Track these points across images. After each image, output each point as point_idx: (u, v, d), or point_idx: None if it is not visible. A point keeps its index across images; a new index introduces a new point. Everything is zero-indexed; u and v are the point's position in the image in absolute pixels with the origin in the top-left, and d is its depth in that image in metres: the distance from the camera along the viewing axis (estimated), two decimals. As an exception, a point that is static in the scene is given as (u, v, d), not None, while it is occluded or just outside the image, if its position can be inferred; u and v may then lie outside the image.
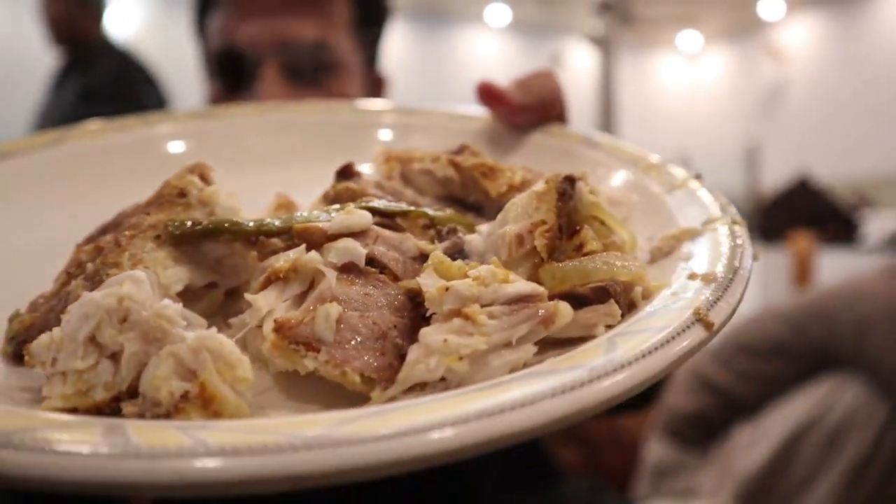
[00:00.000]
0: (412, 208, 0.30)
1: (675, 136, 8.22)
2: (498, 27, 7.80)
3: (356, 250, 0.26)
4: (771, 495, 1.30)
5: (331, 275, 0.26)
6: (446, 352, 0.25)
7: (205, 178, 0.30)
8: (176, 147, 0.41)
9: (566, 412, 0.22)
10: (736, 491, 1.32)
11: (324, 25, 0.67)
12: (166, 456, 0.20)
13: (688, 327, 0.25)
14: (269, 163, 0.41)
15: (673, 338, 0.25)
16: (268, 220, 0.29)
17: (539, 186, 0.28)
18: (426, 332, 0.25)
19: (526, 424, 0.21)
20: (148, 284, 0.25)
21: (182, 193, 0.28)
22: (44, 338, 0.26)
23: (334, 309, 0.25)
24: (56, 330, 0.26)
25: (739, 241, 0.31)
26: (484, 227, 0.29)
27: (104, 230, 0.29)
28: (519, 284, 0.26)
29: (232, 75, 0.68)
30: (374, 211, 0.29)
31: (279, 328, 0.25)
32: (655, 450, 1.49)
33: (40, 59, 2.75)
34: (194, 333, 0.25)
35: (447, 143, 0.38)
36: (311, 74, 0.67)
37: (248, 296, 0.28)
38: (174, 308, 0.25)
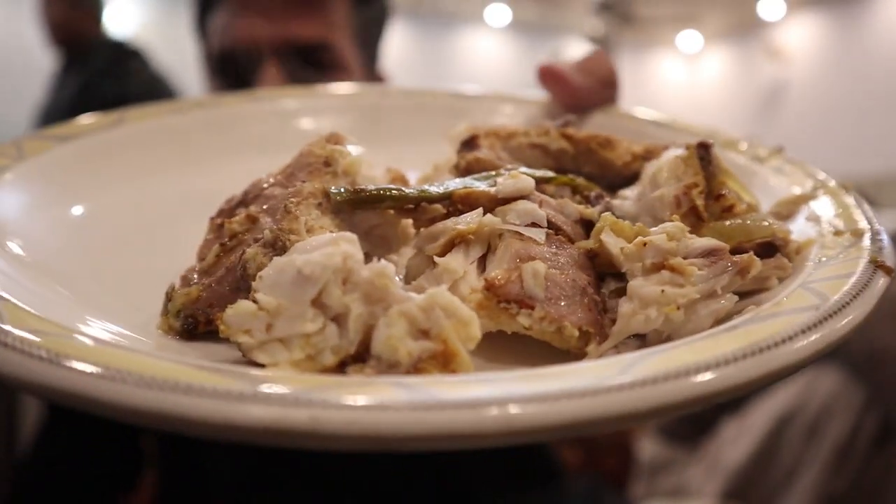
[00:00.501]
0: (558, 175, 0.30)
1: (675, 136, 8.23)
2: (498, 27, 7.80)
3: (536, 212, 0.26)
4: (758, 486, 1.31)
5: (533, 233, 0.26)
6: (665, 301, 0.25)
7: (338, 141, 0.30)
8: (259, 125, 0.41)
9: (818, 348, 0.23)
10: (724, 484, 1.33)
11: (324, 25, 0.67)
12: (487, 404, 0.20)
13: (873, 273, 0.26)
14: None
15: (868, 282, 0.26)
16: (426, 186, 0.28)
17: (680, 151, 0.28)
18: (638, 285, 0.26)
19: (786, 361, 0.22)
20: (358, 245, 0.24)
21: (327, 162, 0.28)
22: (244, 305, 0.24)
23: (540, 266, 0.25)
24: (261, 297, 0.24)
25: (855, 201, 0.32)
26: (629, 192, 0.29)
27: (241, 202, 0.29)
28: (703, 240, 0.26)
29: (232, 74, 0.67)
30: (488, 179, 0.28)
31: (490, 286, 0.25)
32: (648, 448, 1.53)
33: (40, 58, 2.75)
34: (421, 293, 0.24)
35: (515, 124, 0.37)
36: (312, 74, 0.67)
37: (438, 259, 0.27)
38: (392, 268, 0.25)
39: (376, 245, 0.28)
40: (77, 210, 0.34)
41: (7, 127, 2.73)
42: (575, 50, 7.30)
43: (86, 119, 0.42)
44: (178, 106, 0.45)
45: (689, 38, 8.93)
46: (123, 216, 0.35)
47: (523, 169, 0.30)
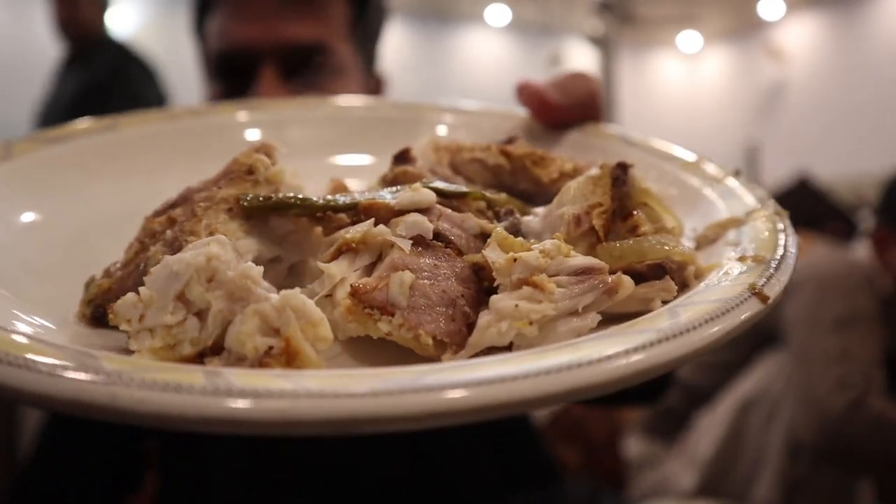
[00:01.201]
0: (471, 190, 0.31)
1: (674, 136, 8.19)
2: (498, 27, 7.80)
3: (424, 224, 0.28)
4: (729, 474, 1.33)
5: (405, 244, 0.28)
6: (517, 316, 0.26)
7: (270, 157, 0.31)
8: (232, 132, 0.42)
9: (638, 369, 0.23)
10: (699, 475, 1.35)
11: (322, 27, 0.67)
12: (278, 396, 0.20)
13: (745, 300, 0.27)
14: (316, 152, 0.41)
15: (732, 308, 0.27)
16: (334, 196, 0.30)
17: (594, 171, 0.29)
18: (497, 299, 0.27)
19: (600, 379, 0.22)
20: (231, 248, 0.26)
21: (250, 171, 0.30)
22: (129, 297, 0.27)
23: (408, 276, 0.26)
24: (142, 289, 0.27)
25: (783, 228, 0.32)
26: (540, 210, 0.30)
27: (172, 205, 0.30)
28: (581, 258, 0.27)
29: (231, 76, 0.68)
30: (436, 191, 0.30)
31: (355, 293, 0.26)
32: (633, 445, 1.56)
33: (43, 53, 2.75)
34: (278, 293, 0.25)
35: (485, 139, 0.38)
36: (309, 75, 0.67)
37: (320, 264, 0.28)
38: (258, 269, 0.26)
39: (290, 251, 0.29)
40: (35, 214, 0.35)
41: (9, 127, 2.73)
42: (575, 50, 7.30)
43: (80, 123, 0.43)
44: (171, 113, 0.45)
45: (689, 38, 8.93)
46: (84, 218, 0.36)
47: (438, 183, 0.31)
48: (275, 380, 0.22)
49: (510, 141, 0.34)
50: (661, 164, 0.36)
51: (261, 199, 0.29)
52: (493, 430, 0.67)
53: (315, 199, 0.30)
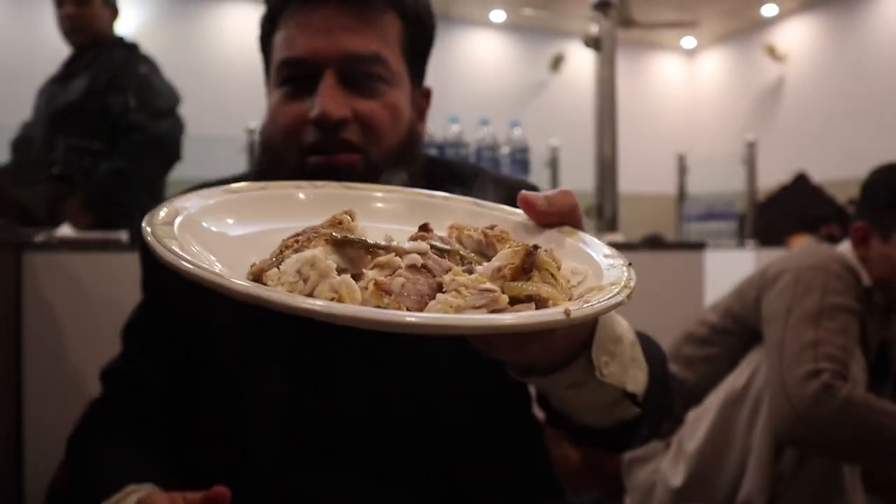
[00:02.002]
0: (452, 249, 0.50)
1: (673, 136, 8.24)
2: (498, 28, 7.82)
3: (417, 259, 0.46)
4: (716, 468, 1.34)
5: (400, 264, 0.46)
6: (447, 303, 0.43)
7: (351, 217, 0.51)
8: (346, 201, 0.59)
9: (476, 325, 0.41)
10: (687, 470, 1.36)
11: (378, 40, 0.74)
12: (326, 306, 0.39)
13: (555, 315, 0.42)
14: (385, 220, 0.58)
15: (544, 317, 0.42)
16: (380, 242, 0.49)
17: (518, 247, 0.47)
18: (440, 295, 0.45)
19: (462, 324, 0.40)
20: (323, 256, 0.44)
21: (339, 222, 0.50)
22: (274, 271, 0.44)
23: (401, 280, 0.45)
24: (281, 267, 0.44)
25: (625, 279, 0.47)
26: (486, 263, 0.48)
27: (297, 234, 0.49)
28: (487, 284, 0.45)
29: (294, 83, 0.75)
30: (431, 246, 0.49)
31: (377, 284, 0.44)
32: None
33: (45, 56, 2.76)
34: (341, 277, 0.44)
35: (490, 223, 0.56)
36: (366, 83, 0.74)
37: (365, 271, 0.46)
38: (333, 266, 0.44)
39: (353, 265, 0.47)
40: (226, 231, 0.52)
41: (9, 128, 2.74)
42: (575, 51, 7.31)
43: (240, 185, 0.58)
44: (313, 183, 0.61)
45: (688, 39, 8.95)
46: (251, 238, 0.52)
47: (434, 242, 0.50)
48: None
49: (492, 227, 0.53)
50: (587, 250, 0.52)
51: (341, 237, 0.48)
52: (503, 443, 0.69)
53: (371, 242, 0.49)
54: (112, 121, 2.23)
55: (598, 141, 2.13)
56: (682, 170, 4.41)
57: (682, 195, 4.32)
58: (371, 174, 0.72)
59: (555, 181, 3.67)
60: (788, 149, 7.35)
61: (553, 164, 3.69)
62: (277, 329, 0.72)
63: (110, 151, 2.22)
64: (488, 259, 0.48)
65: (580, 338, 0.56)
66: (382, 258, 0.45)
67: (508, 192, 0.85)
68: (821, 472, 1.24)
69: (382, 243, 0.47)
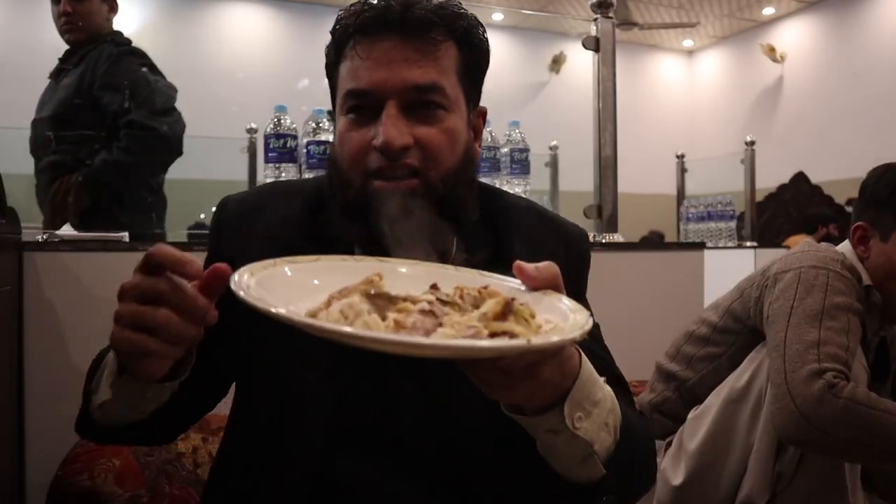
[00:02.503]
0: (453, 300, 0.59)
1: (673, 136, 8.25)
2: (498, 28, 7.83)
3: (425, 305, 0.57)
4: (715, 467, 1.34)
5: (414, 309, 0.57)
6: (443, 335, 0.54)
7: (380, 277, 0.61)
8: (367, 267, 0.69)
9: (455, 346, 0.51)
10: (686, 469, 1.37)
11: (436, 70, 0.80)
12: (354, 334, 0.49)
13: (520, 343, 0.51)
14: (411, 286, 0.66)
15: (510, 345, 0.51)
16: (402, 294, 0.60)
17: (499, 298, 0.58)
18: (439, 331, 0.55)
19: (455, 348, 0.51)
20: (359, 304, 0.56)
21: (371, 282, 0.60)
22: (323, 313, 0.56)
23: (413, 317, 0.55)
24: (329, 310, 0.56)
25: (583, 325, 0.55)
26: (477, 311, 0.58)
27: (340, 291, 0.59)
28: (474, 323, 0.55)
29: (359, 111, 0.81)
30: (438, 297, 0.59)
31: (396, 322, 0.55)
32: None
33: (42, 55, 2.76)
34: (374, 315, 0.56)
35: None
36: (426, 111, 0.80)
37: (388, 313, 0.56)
38: (368, 308, 0.56)
39: (381, 311, 0.57)
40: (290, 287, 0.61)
41: (10, 129, 2.74)
42: (574, 51, 7.31)
43: (295, 258, 0.66)
44: (354, 257, 0.71)
45: (688, 38, 8.96)
46: (308, 294, 0.61)
47: (442, 296, 0.60)
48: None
49: (486, 287, 0.62)
50: (561, 307, 0.61)
51: (372, 292, 0.58)
52: (522, 459, 0.72)
53: (392, 294, 0.59)
54: (106, 115, 2.22)
55: (597, 141, 2.13)
56: (682, 170, 4.42)
57: (681, 195, 4.32)
58: (429, 195, 0.79)
59: (555, 181, 3.67)
60: (787, 149, 7.35)
61: (553, 164, 3.69)
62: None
63: (107, 143, 2.22)
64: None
65: (563, 390, 0.64)
66: (401, 305, 0.56)
67: (556, 232, 0.93)
68: (821, 472, 1.24)
69: (402, 295, 0.59)
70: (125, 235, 1.66)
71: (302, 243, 0.81)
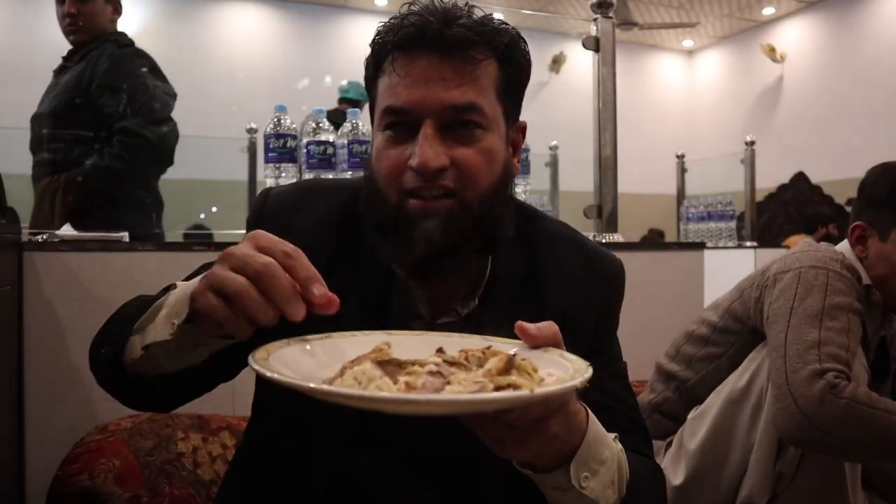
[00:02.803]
0: (458, 361, 0.61)
1: (673, 136, 8.25)
2: (497, 28, 7.78)
3: (432, 367, 0.58)
4: (715, 467, 1.34)
5: (423, 371, 0.58)
6: (452, 391, 0.56)
7: (388, 345, 0.64)
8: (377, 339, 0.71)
9: (469, 401, 0.52)
10: (686, 468, 1.37)
11: (474, 89, 0.79)
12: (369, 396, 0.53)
13: (523, 393, 0.53)
14: (421, 354, 0.68)
15: (511, 396, 0.53)
16: (407, 359, 0.61)
17: (501, 355, 0.60)
18: (447, 388, 0.57)
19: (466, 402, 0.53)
20: (371, 371, 0.58)
21: (381, 350, 0.63)
22: (339, 380, 0.59)
23: (422, 379, 0.57)
24: (343, 378, 0.59)
25: (583, 375, 0.57)
26: (481, 369, 0.60)
27: (353, 361, 0.62)
28: (480, 380, 0.56)
29: (396, 129, 0.80)
30: (444, 359, 0.61)
31: (407, 384, 0.56)
32: None
33: (44, 55, 2.76)
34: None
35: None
36: (463, 131, 0.79)
37: (400, 378, 0.57)
38: (380, 373, 0.58)
39: (392, 377, 0.59)
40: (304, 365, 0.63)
41: (12, 130, 2.74)
42: (574, 51, 7.31)
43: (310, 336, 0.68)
44: (362, 333, 0.72)
45: (688, 39, 8.96)
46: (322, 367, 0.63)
47: (446, 356, 0.62)
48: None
49: (489, 348, 0.65)
50: (562, 361, 0.62)
51: (381, 360, 0.60)
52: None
53: (401, 360, 0.61)
54: (101, 116, 2.21)
55: (597, 141, 2.13)
56: (682, 170, 4.42)
57: (681, 195, 4.32)
58: (465, 215, 0.78)
59: (555, 181, 3.67)
60: (787, 149, 7.35)
61: (553, 164, 3.69)
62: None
63: (102, 143, 2.21)
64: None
65: (571, 446, 0.66)
66: (410, 369, 0.58)
67: (591, 264, 0.92)
68: (822, 472, 1.24)
69: (410, 360, 0.61)
70: (125, 235, 1.66)
71: (337, 248, 0.82)
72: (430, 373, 0.58)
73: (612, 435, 0.75)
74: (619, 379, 0.92)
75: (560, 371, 0.61)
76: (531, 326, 0.65)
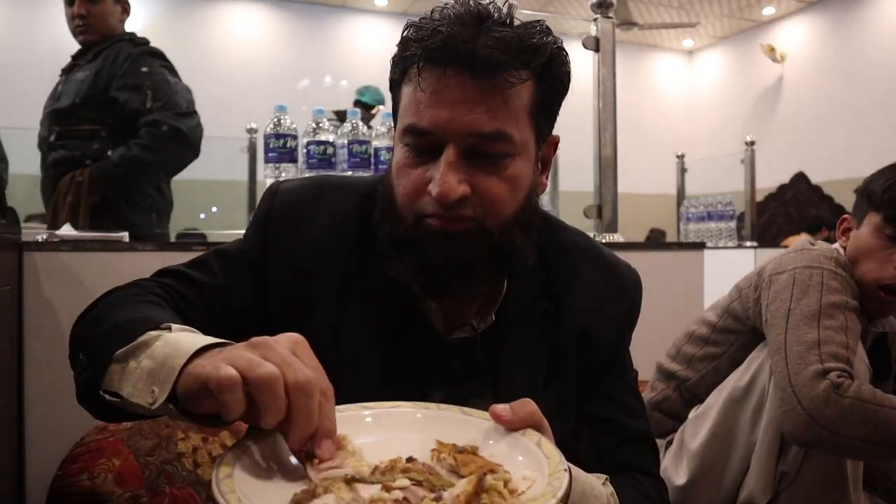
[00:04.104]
0: (427, 479, 0.57)
1: (673, 136, 8.25)
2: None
3: (399, 495, 0.54)
4: (718, 466, 1.34)
5: (393, 499, 0.54)
6: None
7: (347, 440, 0.59)
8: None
9: None
10: (688, 467, 1.37)
11: (504, 113, 0.73)
12: None
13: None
14: (397, 426, 0.66)
15: None
16: (372, 476, 0.58)
17: (472, 478, 0.56)
18: None
19: None
20: (344, 491, 0.54)
21: (341, 445, 0.59)
22: (313, 501, 0.54)
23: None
24: (318, 500, 0.53)
25: (564, 491, 0.55)
26: (450, 490, 0.57)
27: (304, 491, 0.56)
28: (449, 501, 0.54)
29: (417, 149, 0.76)
30: (412, 477, 0.57)
31: (371, 499, 0.54)
32: None
33: (49, 60, 2.76)
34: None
35: (473, 432, 0.65)
36: (487, 160, 0.74)
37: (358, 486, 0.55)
38: (360, 497, 0.54)
39: (359, 494, 0.55)
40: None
41: (15, 130, 2.74)
42: (574, 51, 7.30)
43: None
44: (360, 406, 0.67)
45: (688, 39, 8.96)
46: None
47: (416, 475, 0.58)
48: None
49: (462, 450, 0.61)
50: (540, 454, 0.60)
51: (349, 477, 0.56)
52: None
53: (369, 478, 0.57)
54: (123, 113, 2.23)
55: (597, 141, 2.13)
56: (682, 170, 4.42)
57: (681, 195, 4.32)
58: (484, 240, 0.74)
59: (555, 181, 3.67)
60: (787, 149, 7.35)
61: (553, 164, 3.69)
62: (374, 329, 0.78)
63: (121, 139, 2.22)
64: (459, 475, 0.60)
65: None
66: (375, 495, 0.54)
67: (609, 276, 0.89)
68: (823, 472, 1.24)
69: (375, 478, 0.57)
70: (125, 235, 1.66)
71: (351, 256, 0.80)
72: (396, 500, 0.55)
73: (602, 479, 0.74)
74: (629, 391, 0.91)
75: (533, 465, 0.59)
76: (505, 411, 0.62)
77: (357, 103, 4.07)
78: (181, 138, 2.23)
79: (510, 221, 0.76)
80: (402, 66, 0.77)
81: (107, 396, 0.61)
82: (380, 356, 0.78)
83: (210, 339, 0.59)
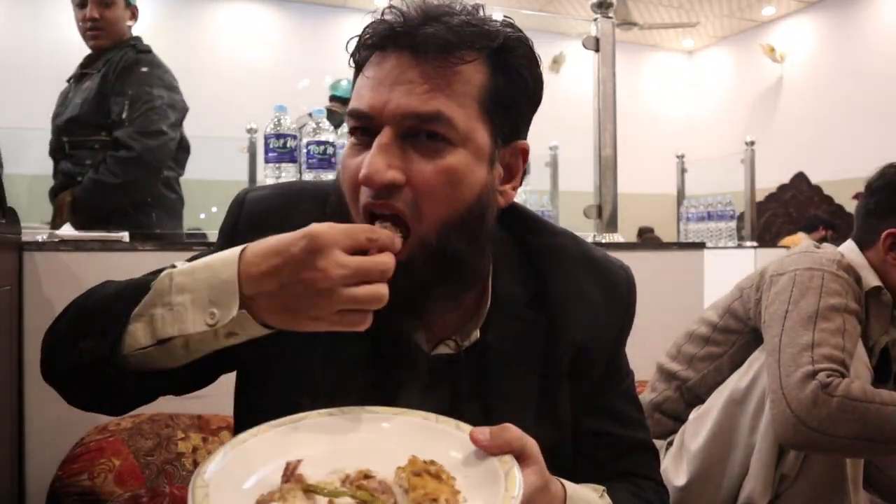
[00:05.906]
0: (372, 501, 0.56)
1: (673, 136, 8.24)
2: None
3: None
4: (718, 468, 1.34)
5: None
6: None
7: (295, 469, 0.60)
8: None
9: None
10: (689, 468, 1.36)
11: (444, 97, 0.69)
12: None
13: None
14: (380, 438, 0.65)
15: None
16: (331, 489, 0.58)
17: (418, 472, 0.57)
18: None
19: None
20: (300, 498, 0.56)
21: (291, 471, 0.60)
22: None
23: None
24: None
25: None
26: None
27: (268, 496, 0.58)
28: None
29: (358, 133, 0.72)
30: (354, 497, 0.57)
31: None
32: None
33: (45, 55, 2.76)
34: None
35: (458, 450, 0.63)
36: (424, 143, 0.69)
37: None
38: None
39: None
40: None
41: (17, 131, 2.74)
42: (574, 51, 7.31)
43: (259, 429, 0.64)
44: (340, 410, 0.66)
45: (688, 39, 8.96)
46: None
47: (363, 493, 0.57)
48: None
49: (428, 469, 0.59)
50: (499, 484, 0.58)
51: (304, 485, 0.57)
52: None
53: (330, 492, 0.57)
54: (111, 124, 2.21)
55: (597, 141, 2.13)
56: (682, 170, 4.42)
57: (681, 195, 4.32)
58: (422, 255, 0.68)
59: (555, 181, 3.67)
60: (787, 149, 7.35)
61: (553, 163, 3.69)
62: (353, 351, 0.74)
63: (104, 154, 2.20)
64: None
65: None
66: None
67: (599, 277, 0.84)
68: (823, 473, 1.24)
69: (333, 489, 0.57)
70: (125, 235, 1.66)
71: None
72: None
73: (599, 492, 0.73)
74: (627, 400, 0.88)
75: (490, 495, 0.57)
76: (483, 435, 0.61)
77: (333, 98, 3.84)
78: (135, 161, 2.14)
79: (448, 225, 0.69)
80: (355, 58, 0.75)
81: (132, 357, 0.64)
82: (360, 374, 0.74)
83: (227, 252, 0.62)
